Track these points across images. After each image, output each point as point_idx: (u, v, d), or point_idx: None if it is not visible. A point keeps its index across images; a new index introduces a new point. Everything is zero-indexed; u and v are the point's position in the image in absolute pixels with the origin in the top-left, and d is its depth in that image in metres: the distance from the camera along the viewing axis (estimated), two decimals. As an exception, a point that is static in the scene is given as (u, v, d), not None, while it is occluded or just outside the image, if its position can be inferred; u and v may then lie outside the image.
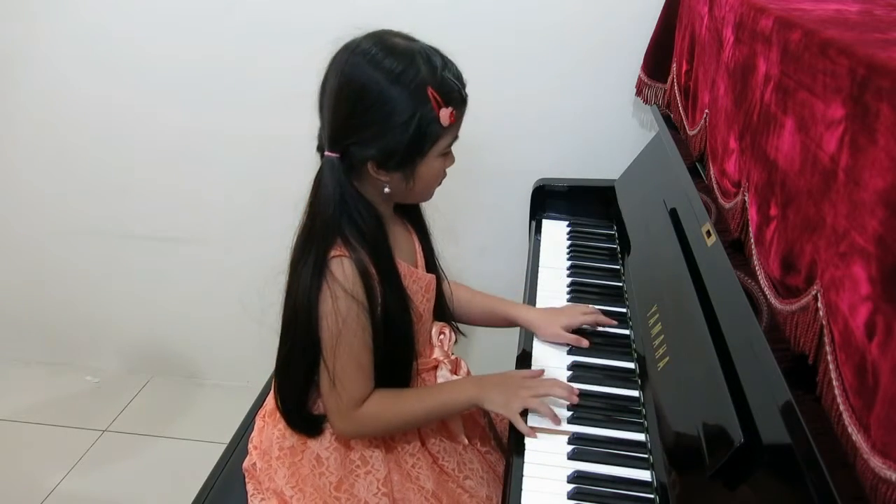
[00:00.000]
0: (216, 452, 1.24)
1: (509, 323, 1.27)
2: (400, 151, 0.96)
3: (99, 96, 1.87)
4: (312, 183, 1.02)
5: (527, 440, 1.01)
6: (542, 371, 1.12)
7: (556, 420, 1.02)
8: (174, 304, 2.13)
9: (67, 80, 1.86)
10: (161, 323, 2.18)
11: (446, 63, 0.99)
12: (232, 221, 1.99)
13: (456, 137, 1.02)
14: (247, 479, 1.15)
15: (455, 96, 0.98)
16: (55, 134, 1.94)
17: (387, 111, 0.94)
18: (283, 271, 1.06)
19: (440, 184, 1.07)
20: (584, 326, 1.23)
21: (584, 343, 1.19)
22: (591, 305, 1.27)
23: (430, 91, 0.94)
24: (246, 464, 1.16)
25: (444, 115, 0.96)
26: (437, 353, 1.16)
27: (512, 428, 1.03)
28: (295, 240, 1.04)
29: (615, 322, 1.24)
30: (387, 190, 1.00)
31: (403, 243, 1.12)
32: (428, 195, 1.09)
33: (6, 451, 1.96)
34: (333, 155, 0.97)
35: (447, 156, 1.03)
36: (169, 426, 2.05)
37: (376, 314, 1.01)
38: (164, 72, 1.83)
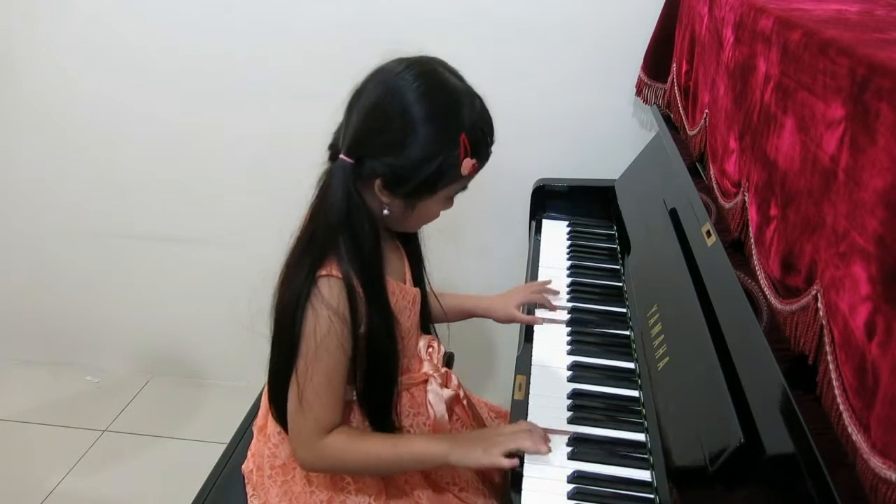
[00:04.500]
0: (216, 452, 1.24)
1: (468, 315, 1.33)
2: (412, 182, 0.95)
3: (99, 95, 1.87)
4: (318, 186, 1.00)
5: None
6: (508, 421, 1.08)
7: (547, 447, 0.98)
8: (174, 304, 2.13)
9: (68, 79, 1.87)
10: (161, 323, 2.18)
11: (485, 114, 0.99)
12: (232, 221, 1.99)
13: (465, 188, 1.02)
14: (246, 482, 1.15)
15: (482, 149, 0.98)
16: (56, 133, 1.94)
17: (415, 143, 0.93)
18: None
19: (430, 222, 1.08)
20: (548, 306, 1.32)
21: (539, 321, 1.28)
22: (539, 282, 1.37)
23: (462, 138, 0.94)
24: (244, 468, 1.16)
25: (467, 164, 0.95)
26: (426, 368, 1.12)
27: None
28: (293, 244, 1.01)
29: (554, 306, 1.32)
30: (385, 212, 0.99)
31: (394, 258, 1.10)
32: (415, 228, 1.09)
33: (6, 451, 1.96)
34: (348, 160, 0.95)
35: (449, 200, 1.03)
36: (169, 426, 2.05)
37: (359, 335, 0.99)
38: (164, 71, 1.83)
